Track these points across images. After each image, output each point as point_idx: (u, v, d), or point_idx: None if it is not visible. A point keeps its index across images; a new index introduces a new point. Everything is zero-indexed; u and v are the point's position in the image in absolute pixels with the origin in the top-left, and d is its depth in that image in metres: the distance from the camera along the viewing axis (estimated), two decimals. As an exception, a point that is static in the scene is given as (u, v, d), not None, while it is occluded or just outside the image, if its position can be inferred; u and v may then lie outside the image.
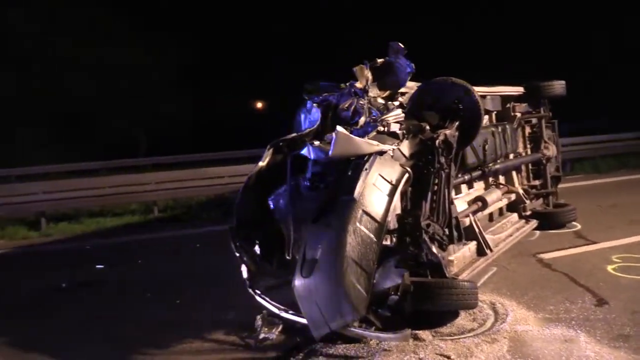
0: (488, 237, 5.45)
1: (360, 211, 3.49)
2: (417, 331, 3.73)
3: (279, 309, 3.90)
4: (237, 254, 4.17)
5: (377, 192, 3.61)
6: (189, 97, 27.74)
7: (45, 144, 24.29)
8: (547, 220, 6.74)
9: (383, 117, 4.13)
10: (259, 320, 4.00)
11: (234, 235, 4.25)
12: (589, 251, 5.76)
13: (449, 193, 4.39)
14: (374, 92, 4.73)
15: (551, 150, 7.02)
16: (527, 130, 7.21)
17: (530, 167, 7.16)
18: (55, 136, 24.68)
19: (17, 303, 5.29)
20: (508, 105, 6.51)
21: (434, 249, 3.99)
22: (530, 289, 4.63)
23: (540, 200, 7.03)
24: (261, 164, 4.41)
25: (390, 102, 4.80)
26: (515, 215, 6.46)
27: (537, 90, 6.78)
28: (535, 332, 3.74)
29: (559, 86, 6.87)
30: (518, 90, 6.63)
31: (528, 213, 6.60)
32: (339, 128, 3.67)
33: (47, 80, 23.77)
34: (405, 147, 4.11)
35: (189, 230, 8.43)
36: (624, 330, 3.66)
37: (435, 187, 4.20)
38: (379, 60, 5.08)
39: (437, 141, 4.15)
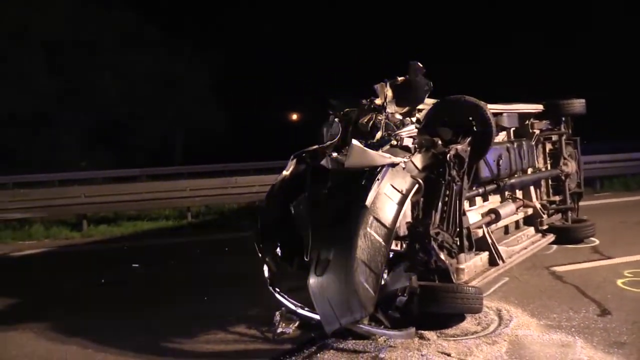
0: (501, 248, 5.68)
1: (371, 217, 3.81)
2: (423, 331, 4.01)
3: (295, 306, 4.25)
4: (260, 255, 4.55)
5: (388, 200, 3.93)
6: (228, 108, 28.58)
7: (89, 150, 25.48)
8: (565, 235, 6.87)
9: (397, 132, 4.45)
10: (277, 316, 4.34)
11: (258, 238, 4.63)
12: (602, 265, 5.89)
13: (460, 204, 4.66)
14: (392, 108, 5.04)
15: (570, 167, 7.17)
16: (548, 146, 7.39)
17: (550, 182, 7.32)
18: (100, 143, 25.85)
19: (59, 296, 5.78)
20: (527, 122, 6.73)
21: (442, 256, 4.26)
22: (537, 298, 4.83)
23: (559, 215, 7.18)
24: (285, 173, 4.79)
25: (407, 118, 5.12)
26: (531, 229, 6.64)
27: (557, 108, 6.96)
28: (535, 336, 3.96)
29: (578, 104, 7.04)
30: (537, 107, 6.83)
31: (545, 227, 6.78)
32: (354, 141, 4.03)
33: (92, 90, 24.94)
34: (418, 160, 4.42)
35: (219, 235, 8.87)
36: (621, 338, 3.85)
37: (446, 198, 4.48)
38: (400, 79, 5.40)
39: (448, 155, 4.44)
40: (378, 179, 3.93)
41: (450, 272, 4.28)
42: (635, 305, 4.53)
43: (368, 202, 3.81)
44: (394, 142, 4.34)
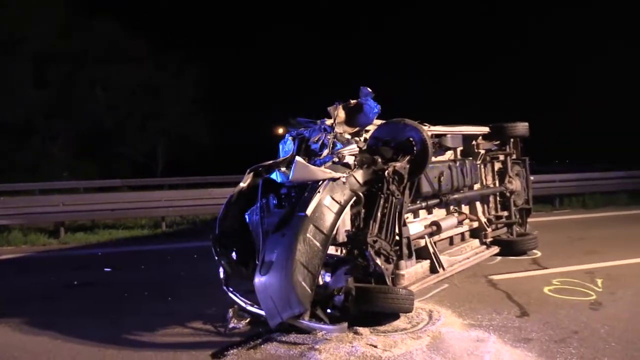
0: (443, 257, 6.23)
1: (311, 225, 4.33)
2: (358, 327, 4.50)
3: (246, 304, 4.73)
4: (217, 258, 5.03)
5: (327, 210, 4.45)
6: (212, 121, 29.04)
7: (73, 160, 25.75)
8: (509, 248, 7.43)
9: (339, 150, 4.99)
10: (230, 313, 4.82)
11: (215, 243, 5.12)
12: (535, 275, 6.45)
13: (400, 216, 5.19)
14: (341, 128, 5.60)
15: (515, 185, 7.76)
16: (497, 165, 8.00)
17: (497, 199, 7.91)
18: (84, 154, 26.14)
19: (33, 295, 6.18)
20: (473, 142, 7.33)
21: (379, 262, 4.77)
22: (468, 302, 5.36)
23: (505, 229, 7.75)
24: (242, 184, 5.30)
25: (356, 138, 5.67)
26: (476, 241, 7.20)
27: (501, 131, 7.58)
28: (455, 333, 4.48)
29: (521, 127, 7.67)
30: (483, 130, 7.44)
31: (490, 240, 7.34)
32: (298, 158, 4.56)
33: (78, 102, 25.28)
34: (360, 175, 4.95)
35: (191, 243, 9.29)
36: (530, 335, 4.38)
37: (385, 210, 5.00)
38: (352, 101, 5.99)
39: (386, 172, 4.99)
40: (319, 192, 4.46)
41: (386, 275, 4.78)
42: (552, 309, 5.08)
43: (308, 211, 4.33)
44: (336, 159, 4.87)
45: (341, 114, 5.90)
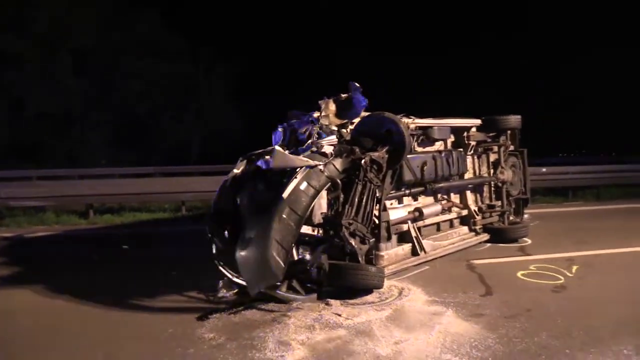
0: (427, 242, 6.68)
1: (287, 207, 4.87)
2: (330, 299, 5.04)
3: (233, 276, 5.32)
4: (209, 235, 5.64)
5: (303, 194, 4.97)
6: (245, 112, 29.89)
7: (111, 148, 27.07)
8: (500, 235, 7.78)
9: (318, 141, 5.50)
10: (220, 284, 5.41)
11: (210, 222, 5.73)
12: (516, 261, 6.79)
13: (379, 201, 5.67)
14: (327, 120, 6.10)
15: (506, 175, 8.07)
16: (493, 157, 8.32)
17: (492, 188, 8.25)
18: (122, 142, 27.44)
19: (57, 267, 7.01)
20: (464, 134, 7.68)
21: (353, 242, 5.27)
22: (441, 282, 5.79)
23: (496, 217, 8.08)
24: (235, 171, 5.86)
25: (342, 130, 6.17)
26: (465, 228, 7.58)
27: (494, 123, 7.89)
28: (417, 307, 4.95)
29: (514, 119, 7.96)
30: (475, 122, 7.77)
31: (479, 227, 7.70)
32: (277, 147, 5.11)
33: (117, 93, 26.52)
34: (339, 163, 5.43)
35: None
36: (484, 311, 4.79)
37: (363, 196, 5.49)
38: (343, 95, 6.50)
39: (363, 160, 5.46)
40: (295, 177, 4.99)
41: (359, 254, 5.28)
42: (517, 290, 5.46)
43: (285, 194, 4.88)
44: (314, 149, 5.38)
45: (332, 107, 6.42)
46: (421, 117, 6.92)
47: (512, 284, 5.70)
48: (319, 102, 6.38)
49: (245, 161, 5.90)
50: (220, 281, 5.45)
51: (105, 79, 25.83)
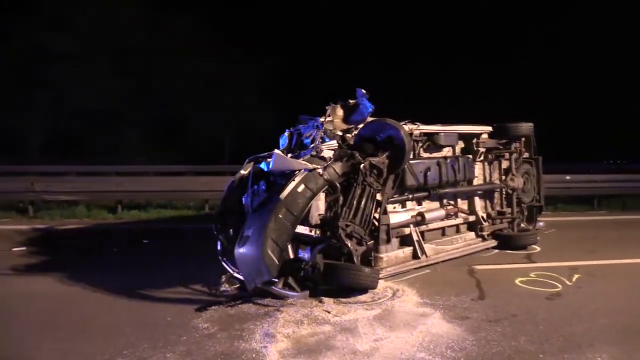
0: (429, 246, 6.82)
1: (284, 208, 5.13)
2: (324, 297, 5.28)
3: (234, 271, 5.62)
4: (215, 233, 5.96)
5: (300, 196, 5.23)
6: (279, 112, 30.36)
7: (148, 146, 28.01)
8: (507, 242, 7.81)
9: (317, 145, 5.74)
10: (223, 279, 5.73)
11: (216, 220, 6.06)
12: (519, 268, 6.84)
13: (378, 205, 5.87)
14: (331, 125, 6.34)
15: (517, 182, 8.09)
16: (506, 164, 8.36)
17: (503, 195, 8.29)
18: (158, 140, 28.36)
19: (78, 257, 7.54)
20: (474, 140, 7.75)
21: (349, 243, 5.49)
22: (437, 285, 5.93)
23: (506, 224, 8.12)
24: (242, 172, 6.17)
25: (347, 135, 6.39)
26: (471, 234, 7.67)
27: (505, 130, 7.93)
28: (407, 308, 5.12)
29: (525, 127, 7.98)
30: (484, 129, 7.84)
31: (486, 233, 7.76)
32: (276, 150, 5.38)
33: (154, 91, 27.45)
34: (339, 167, 5.67)
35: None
36: (471, 315, 4.93)
37: (362, 199, 5.69)
38: (351, 101, 6.73)
39: (362, 165, 5.67)
40: (294, 180, 5.26)
41: (354, 255, 5.50)
42: (510, 296, 5.54)
43: (282, 196, 5.15)
44: (314, 153, 5.63)
45: (339, 112, 6.67)
46: (428, 124, 7.06)
47: (507, 290, 5.78)
48: (326, 107, 6.63)
49: (251, 163, 6.21)
50: (224, 276, 5.77)
51: (143, 77, 26.73)
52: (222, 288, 5.63)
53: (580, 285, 5.96)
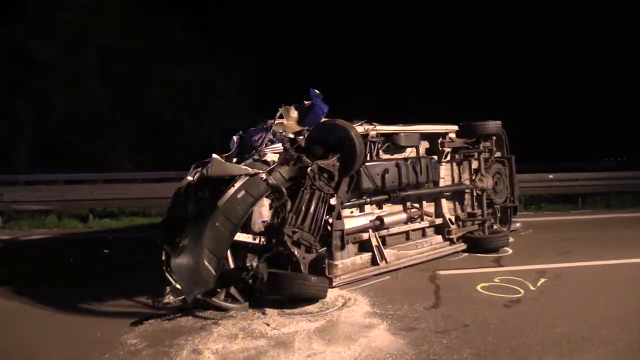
0: (390, 251, 6.57)
1: (222, 215, 4.88)
2: (268, 308, 5.01)
3: (176, 283, 5.36)
4: (159, 242, 5.70)
5: (239, 202, 4.98)
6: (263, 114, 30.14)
7: (134, 152, 27.78)
8: (477, 245, 7.54)
9: (261, 149, 5.48)
10: (167, 290, 5.45)
11: (162, 228, 5.80)
12: (484, 272, 6.54)
13: (330, 209, 5.61)
14: (282, 127, 6.09)
15: (486, 183, 7.83)
16: (475, 164, 8.10)
17: (473, 196, 8.03)
18: (144, 146, 28.14)
19: (32, 270, 7.26)
20: (439, 140, 7.49)
21: (295, 251, 5.23)
22: (394, 293, 5.65)
23: (477, 226, 7.85)
24: (189, 178, 5.92)
25: (300, 137, 6.13)
26: (439, 238, 7.40)
27: (471, 129, 7.67)
28: (353, 319, 4.84)
29: (493, 126, 7.70)
30: (450, 128, 7.58)
31: (455, 236, 7.49)
32: (214, 155, 5.11)
33: (139, 96, 27.25)
34: (285, 171, 5.42)
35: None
36: (419, 325, 4.64)
37: (311, 204, 5.43)
38: (306, 102, 6.48)
39: (310, 168, 5.42)
40: (233, 186, 5.00)
41: (301, 263, 5.23)
42: (467, 304, 5.25)
43: (220, 203, 4.90)
44: (257, 157, 5.37)
45: (293, 114, 6.42)
46: (389, 124, 6.82)
47: (466, 297, 5.50)
48: (279, 108, 6.38)
49: (198, 168, 5.94)
50: (168, 287, 5.49)
51: (128, 83, 26.53)
52: (166, 300, 5.32)
53: (543, 291, 5.69)
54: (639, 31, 22.30)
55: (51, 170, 20.07)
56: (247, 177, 5.09)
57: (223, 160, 5.21)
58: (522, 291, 5.67)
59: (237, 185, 5.00)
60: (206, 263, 4.71)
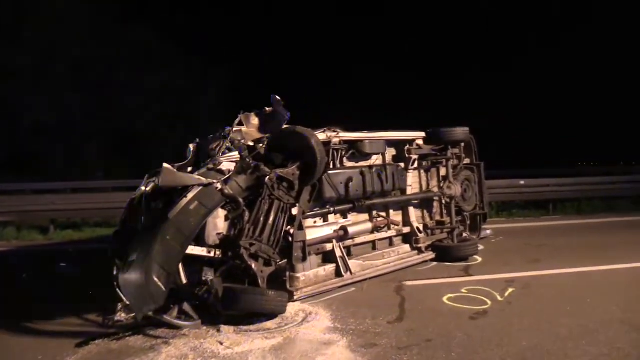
0: (355, 262, 6.36)
1: (173, 228, 4.61)
2: (223, 325, 4.77)
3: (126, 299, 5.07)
4: (110, 255, 5.40)
5: (192, 214, 4.72)
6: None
7: (107, 160, 27.18)
8: (445, 254, 7.38)
9: (216, 157, 5.25)
10: (118, 307, 5.16)
11: (113, 241, 5.50)
12: (451, 282, 6.40)
13: (290, 220, 5.39)
14: (240, 135, 5.86)
15: (454, 190, 7.71)
16: (444, 171, 7.97)
17: (442, 204, 7.89)
18: (117, 154, 27.55)
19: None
20: (406, 147, 7.34)
21: (253, 264, 4.99)
22: (357, 306, 5.44)
23: (445, 234, 7.71)
24: (142, 187, 5.64)
25: (260, 145, 5.91)
26: (406, 247, 7.23)
27: (438, 136, 7.54)
28: (312, 335, 4.62)
29: (461, 132, 7.60)
30: (417, 135, 7.44)
31: (423, 245, 7.33)
32: (165, 164, 4.86)
33: (110, 104, 26.70)
34: (243, 181, 5.19)
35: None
36: (380, 341, 4.44)
37: (270, 215, 5.21)
38: (267, 109, 6.26)
39: (268, 177, 5.19)
40: (185, 197, 4.75)
41: (259, 277, 5.00)
42: (432, 316, 5.07)
43: (171, 215, 4.63)
44: (211, 166, 5.13)
45: (254, 121, 6.20)
46: (353, 131, 6.64)
47: (431, 310, 5.33)
48: (239, 115, 6.16)
49: (152, 178, 5.67)
50: (119, 304, 5.20)
51: (101, 91, 25.99)
52: (117, 318, 5.04)
53: (511, 301, 5.55)
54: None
55: (19, 180, 19.44)
56: (201, 187, 4.84)
57: (174, 170, 4.96)
58: (489, 302, 5.52)
59: (190, 195, 4.75)
60: (155, 279, 4.43)
